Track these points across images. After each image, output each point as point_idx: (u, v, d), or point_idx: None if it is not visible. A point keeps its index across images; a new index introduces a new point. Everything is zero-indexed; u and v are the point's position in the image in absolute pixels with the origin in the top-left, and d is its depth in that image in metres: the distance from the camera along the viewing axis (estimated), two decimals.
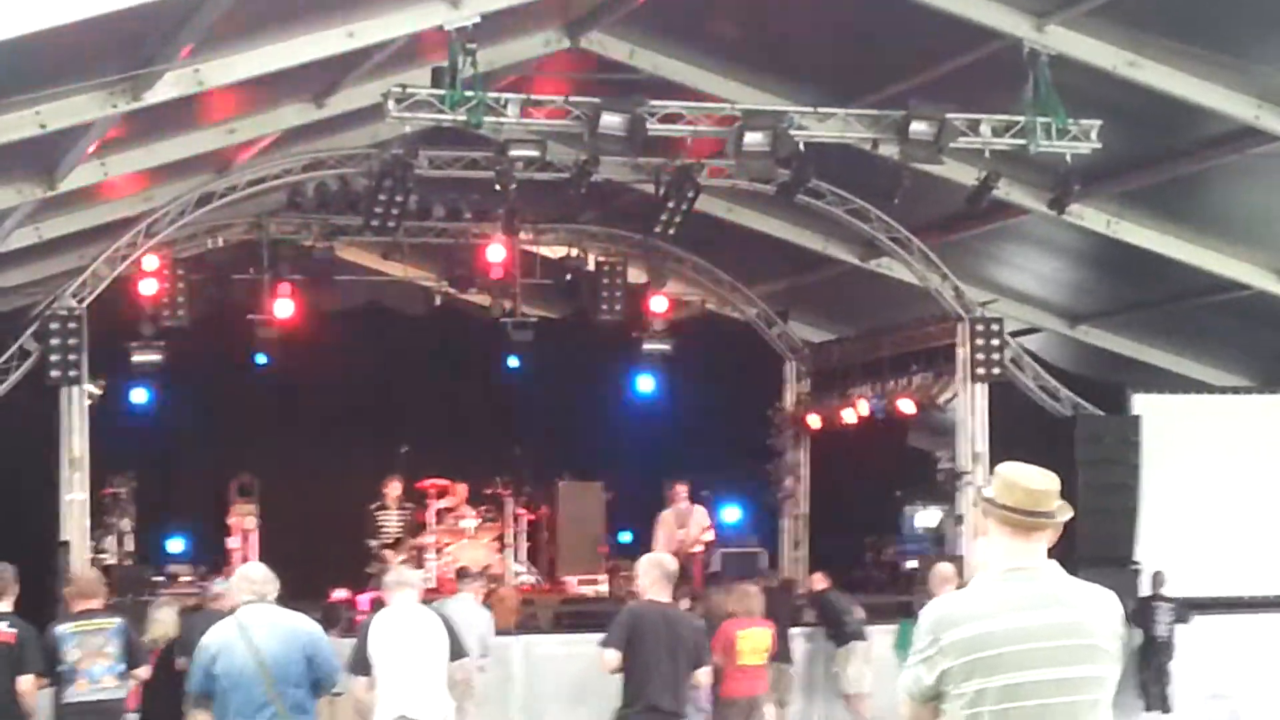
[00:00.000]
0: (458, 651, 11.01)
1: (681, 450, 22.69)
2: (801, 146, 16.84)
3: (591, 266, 22.17)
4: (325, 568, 19.92)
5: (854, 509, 23.10)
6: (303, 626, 9.45)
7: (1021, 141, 16.27)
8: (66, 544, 17.63)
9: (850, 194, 19.20)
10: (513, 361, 22.48)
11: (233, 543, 20.96)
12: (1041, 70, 15.71)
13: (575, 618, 19.48)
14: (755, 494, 23.84)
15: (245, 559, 19.13)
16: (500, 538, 21.74)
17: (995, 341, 20.12)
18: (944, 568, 14.34)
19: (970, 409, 20.10)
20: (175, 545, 21.65)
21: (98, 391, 18.60)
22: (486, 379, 22.93)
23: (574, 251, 22.23)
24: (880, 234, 19.74)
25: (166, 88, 14.22)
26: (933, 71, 16.46)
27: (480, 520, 21.53)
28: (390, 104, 15.32)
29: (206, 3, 12.68)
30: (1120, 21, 15.13)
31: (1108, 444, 19.81)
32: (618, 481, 22.75)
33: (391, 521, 21.22)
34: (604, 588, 21.43)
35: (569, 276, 22.35)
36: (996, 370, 20.10)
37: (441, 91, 15.22)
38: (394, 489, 21.22)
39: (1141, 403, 20.13)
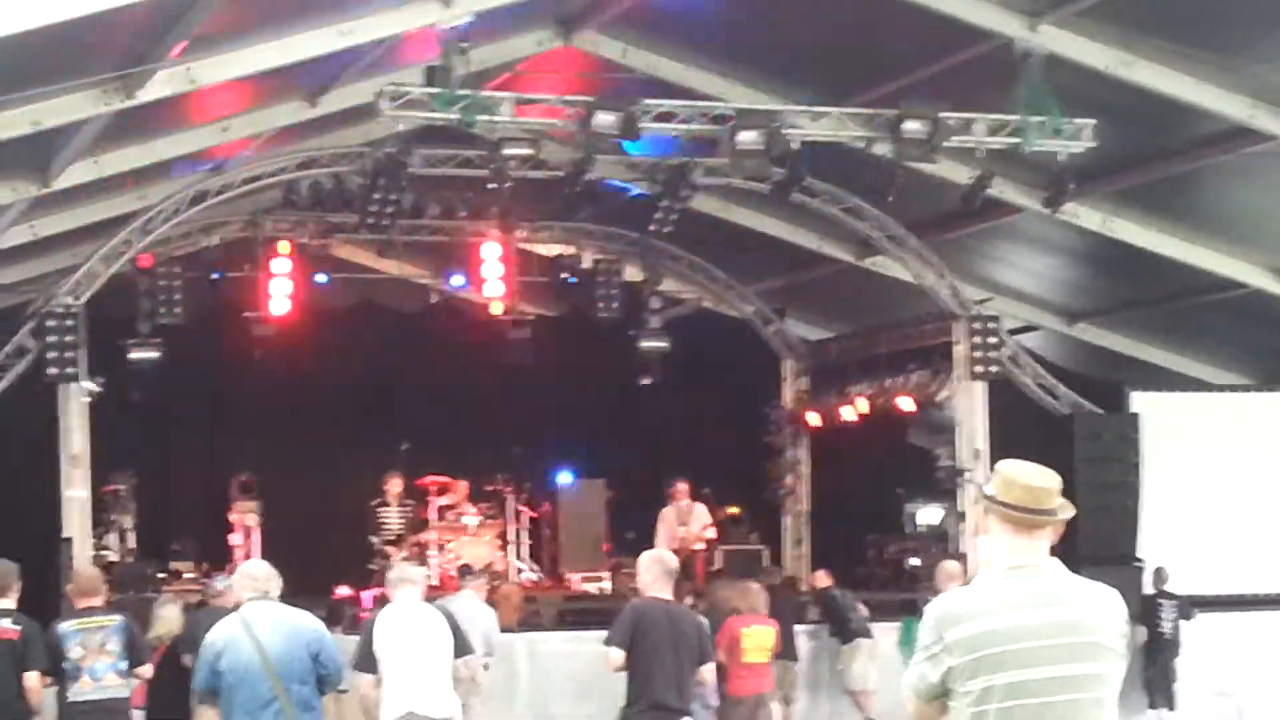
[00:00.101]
0: (462, 648, 11.04)
1: (681, 447, 22.72)
2: (796, 145, 16.89)
3: (587, 265, 22.21)
4: (327, 564, 19.98)
5: (855, 506, 23.09)
6: (306, 623, 9.49)
7: (1015, 140, 16.31)
8: (69, 541, 17.67)
9: (845, 192, 19.24)
10: (511, 358, 22.50)
11: (235, 539, 20.98)
12: (1035, 70, 15.74)
13: (579, 615, 19.54)
14: (755, 491, 23.87)
15: (247, 556, 19.18)
16: (502, 535, 21.77)
17: (993, 339, 20.13)
18: (950, 565, 14.40)
19: (969, 407, 20.14)
20: (177, 542, 21.65)
21: (96, 389, 18.64)
22: (484, 376, 22.95)
23: (570, 250, 22.28)
24: (875, 232, 19.77)
25: (159, 86, 14.25)
26: (926, 70, 16.47)
27: (482, 517, 21.56)
28: (384, 103, 15.34)
29: (198, 1, 12.71)
30: (1114, 21, 15.14)
31: (1107, 442, 19.84)
32: (618, 479, 22.80)
33: (393, 518, 21.22)
34: (607, 585, 21.45)
35: (565, 275, 22.39)
36: (995, 368, 20.11)
37: (435, 90, 15.26)
38: (395, 486, 21.23)
39: (1140, 400, 20.15)
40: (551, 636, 18.23)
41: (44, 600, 13.99)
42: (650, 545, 17.87)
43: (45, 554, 17.21)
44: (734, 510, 22.39)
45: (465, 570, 16.31)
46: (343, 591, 19.34)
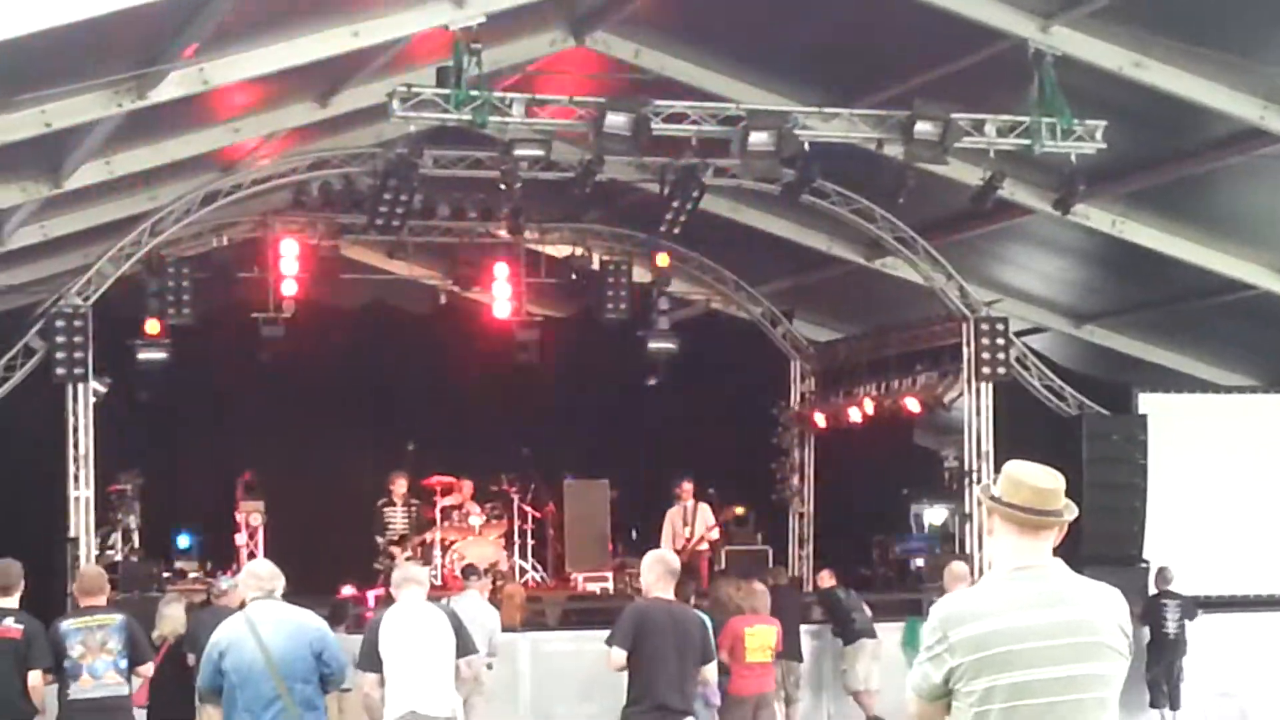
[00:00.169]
0: (466, 648, 11.00)
1: (687, 448, 22.71)
2: (806, 146, 16.87)
3: (596, 266, 22.21)
4: (332, 564, 20.01)
5: (860, 507, 23.11)
6: (309, 622, 9.50)
7: (1026, 142, 16.28)
8: (74, 540, 17.68)
9: (855, 194, 19.21)
10: (519, 359, 22.48)
11: (240, 539, 20.98)
12: (1047, 70, 15.72)
13: (582, 615, 19.50)
14: (761, 492, 23.84)
15: (252, 555, 19.19)
16: (507, 535, 21.77)
17: (1000, 341, 20.13)
18: (958, 566, 14.36)
19: (976, 408, 20.12)
20: (182, 542, 21.65)
21: (103, 389, 18.64)
22: (492, 377, 22.93)
23: (579, 251, 22.27)
24: (885, 233, 19.76)
25: (171, 87, 14.25)
26: (938, 71, 16.46)
27: (486, 517, 21.56)
28: (395, 103, 15.33)
29: (211, 2, 12.70)
30: (1126, 22, 15.12)
31: (1114, 443, 19.82)
32: (623, 479, 22.79)
33: (398, 518, 21.22)
34: (611, 585, 21.45)
35: (574, 275, 22.39)
36: (1002, 370, 20.11)
37: (446, 91, 15.24)
38: (400, 485, 21.23)
39: (1147, 402, 20.14)
40: (555, 636, 18.21)
41: (50, 599, 14.01)
42: (655, 545, 17.87)
43: (51, 553, 17.23)
44: (739, 510, 22.36)
45: (469, 570, 16.28)
46: (348, 591, 19.32)
